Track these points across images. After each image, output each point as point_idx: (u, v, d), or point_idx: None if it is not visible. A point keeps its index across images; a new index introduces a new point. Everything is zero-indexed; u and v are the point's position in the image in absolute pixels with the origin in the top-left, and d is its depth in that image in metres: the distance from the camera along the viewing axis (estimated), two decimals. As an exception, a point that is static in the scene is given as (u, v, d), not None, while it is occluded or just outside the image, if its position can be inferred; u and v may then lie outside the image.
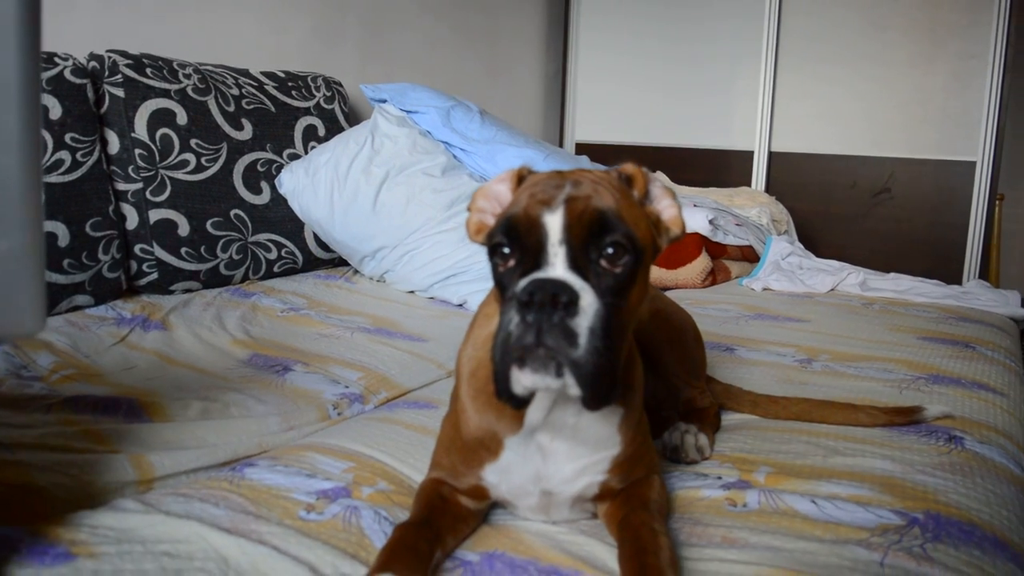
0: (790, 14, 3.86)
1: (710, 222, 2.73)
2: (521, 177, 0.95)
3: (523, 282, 0.78)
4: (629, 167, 0.94)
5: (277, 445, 1.32)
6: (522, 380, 0.79)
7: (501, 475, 0.98)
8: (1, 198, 0.71)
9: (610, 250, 0.82)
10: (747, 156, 4.00)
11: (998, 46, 3.37)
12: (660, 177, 3.07)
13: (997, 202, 3.55)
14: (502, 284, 0.85)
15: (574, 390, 0.78)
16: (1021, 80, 3.99)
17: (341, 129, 2.79)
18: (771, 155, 3.95)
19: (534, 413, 0.92)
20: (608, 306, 0.79)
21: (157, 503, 1.02)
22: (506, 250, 0.85)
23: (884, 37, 3.65)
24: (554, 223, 0.81)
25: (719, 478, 1.16)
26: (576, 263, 0.80)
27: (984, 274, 3.44)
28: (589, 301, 0.78)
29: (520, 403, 0.84)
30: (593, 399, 0.79)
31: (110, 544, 0.91)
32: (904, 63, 3.60)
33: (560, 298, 0.76)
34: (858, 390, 1.54)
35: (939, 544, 0.95)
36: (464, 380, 1.01)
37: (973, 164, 3.46)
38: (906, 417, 1.35)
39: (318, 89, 2.78)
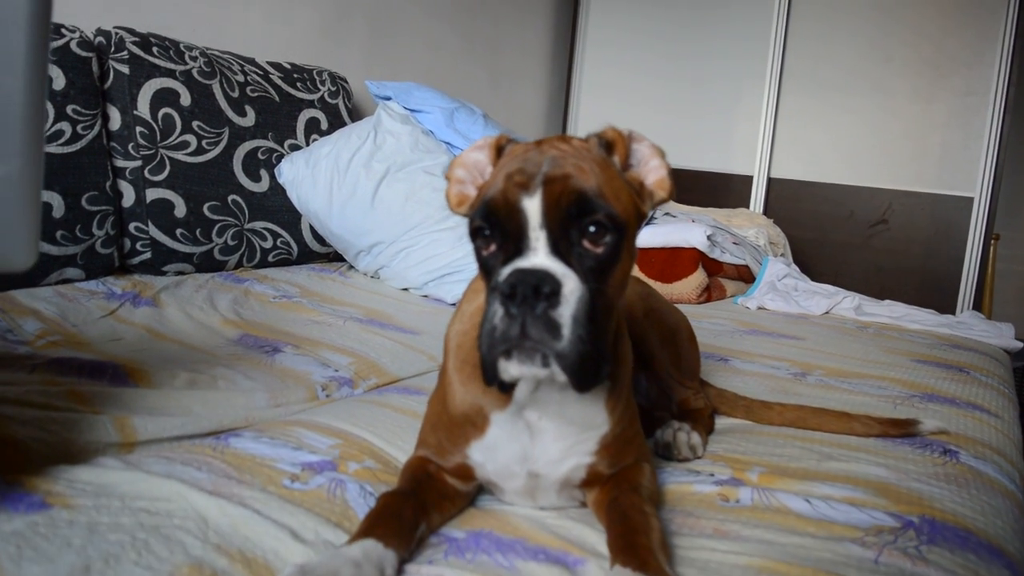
0: (796, 37, 3.89)
1: (708, 238, 2.72)
2: (500, 147, 0.93)
3: (505, 272, 0.78)
4: (609, 131, 0.91)
5: (263, 420, 1.29)
6: (510, 370, 0.79)
7: (487, 453, 0.95)
8: (1, 121, 0.69)
9: (592, 229, 0.81)
10: (746, 181, 4.01)
11: (1000, 84, 3.40)
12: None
13: (993, 242, 3.56)
14: (485, 268, 0.85)
15: (561, 377, 0.78)
16: (1022, 120, 4.01)
17: (344, 124, 2.79)
18: (770, 180, 3.96)
19: (522, 389, 0.91)
20: (592, 289, 0.79)
21: (138, 463, 1.00)
22: (487, 233, 0.84)
23: (888, 68, 3.68)
24: (533, 207, 0.80)
25: (711, 475, 1.14)
26: (557, 247, 0.79)
27: (977, 309, 3.44)
28: (572, 288, 0.77)
29: (507, 387, 0.85)
30: (580, 384, 0.79)
31: (87, 497, 0.89)
32: (906, 95, 3.62)
33: (542, 289, 0.76)
34: (852, 404, 1.53)
35: (934, 547, 0.93)
36: (452, 353, 0.99)
37: (971, 200, 3.48)
38: (901, 429, 1.33)
39: (323, 83, 2.77)
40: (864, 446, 1.27)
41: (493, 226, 0.83)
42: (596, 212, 0.80)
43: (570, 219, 0.80)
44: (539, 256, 0.79)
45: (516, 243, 0.80)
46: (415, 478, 0.96)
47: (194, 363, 1.46)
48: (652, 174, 0.92)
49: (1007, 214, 4.06)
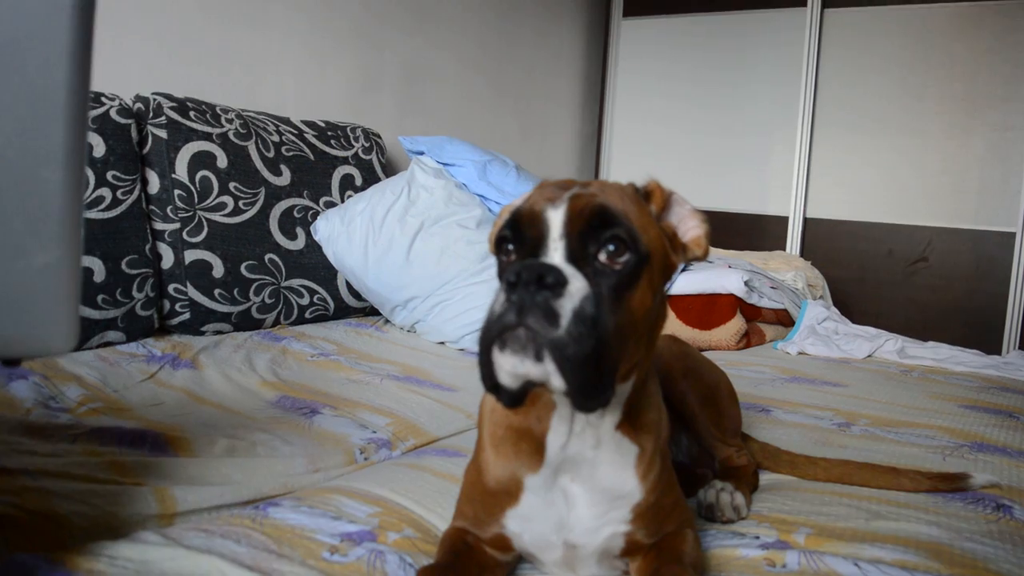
0: (827, 82, 3.88)
1: (745, 283, 2.70)
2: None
3: (515, 266, 0.76)
4: (651, 183, 0.92)
5: (302, 486, 1.29)
6: (501, 362, 0.75)
7: (523, 523, 0.94)
8: (42, 212, 0.70)
9: (610, 246, 0.79)
10: (782, 221, 3.99)
11: (1036, 118, 3.36)
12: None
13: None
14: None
15: (556, 379, 0.73)
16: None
17: (378, 179, 2.82)
18: (806, 221, 3.93)
19: (553, 442, 0.89)
20: (601, 297, 0.76)
21: (178, 537, 0.99)
22: (510, 246, 0.84)
23: (920, 107, 3.66)
24: (555, 217, 0.80)
25: (756, 538, 1.11)
26: (574, 256, 0.78)
27: (1024, 346, 3.37)
28: (579, 286, 0.75)
29: (512, 400, 0.79)
30: (578, 392, 0.74)
31: (128, 575, 0.89)
32: (941, 133, 3.59)
33: (546, 278, 0.74)
34: (900, 455, 1.49)
35: (992, 614, 0.89)
36: (486, 419, 0.98)
37: (1013, 235, 3.42)
38: (951, 483, 1.29)
39: (356, 139, 2.81)
40: (913, 502, 1.24)
41: (516, 234, 0.82)
42: (616, 227, 0.80)
43: (589, 230, 0.79)
44: (553, 259, 0.78)
45: (534, 251, 0.80)
46: (454, 550, 0.95)
47: (233, 428, 1.47)
48: (690, 232, 0.91)
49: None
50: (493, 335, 0.75)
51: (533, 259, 0.78)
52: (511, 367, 0.74)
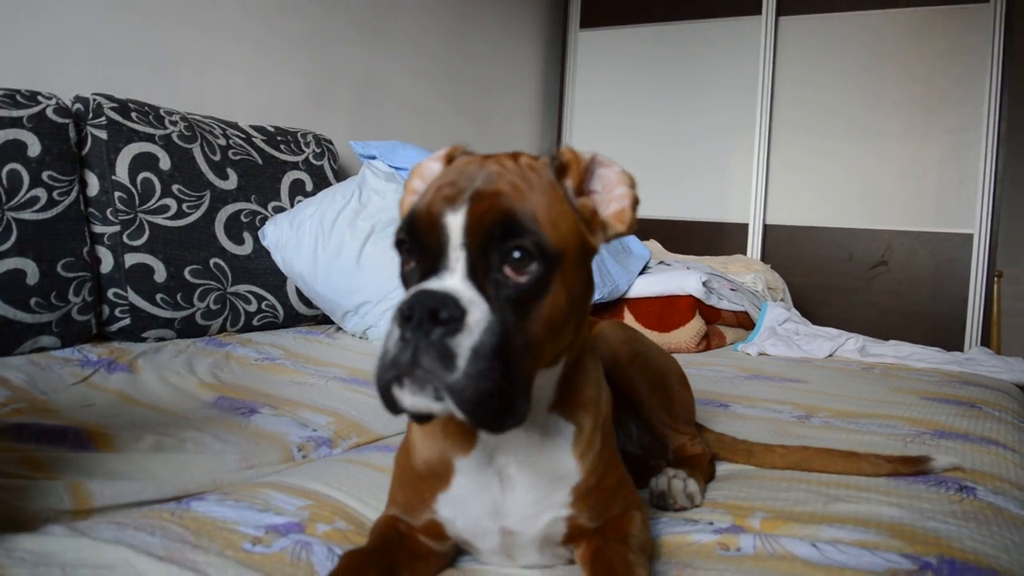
0: (783, 89, 3.88)
1: (704, 284, 2.66)
2: (451, 158, 0.88)
3: (410, 291, 0.71)
4: (566, 152, 0.83)
5: (232, 483, 1.21)
6: (403, 400, 0.70)
7: (455, 508, 0.87)
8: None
9: (516, 254, 0.72)
10: (742, 229, 3.97)
11: (991, 119, 3.38)
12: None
13: (996, 279, 3.50)
14: (405, 285, 0.78)
15: (459, 415, 0.68)
16: (1015, 153, 3.99)
17: (329, 185, 2.75)
18: (766, 227, 3.92)
19: None
20: (505, 322, 0.70)
21: (87, 529, 0.92)
22: (409, 248, 0.77)
23: (877, 111, 3.67)
24: (455, 224, 0.73)
25: (710, 523, 1.06)
26: (475, 270, 0.72)
27: (985, 346, 3.36)
28: (478, 318, 0.68)
29: (419, 419, 0.76)
30: (482, 424, 0.70)
31: (25, 567, 0.82)
32: (899, 135, 3.60)
33: (440, 314, 0.67)
34: (860, 443, 1.45)
35: (955, 589, 0.84)
36: None
37: (971, 236, 3.43)
38: (912, 467, 1.25)
39: (307, 145, 2.75)
40: (874, 486, 1.19)
41: (414, 239, 0.76)
42: (521, 237, 0.72)
43: (492, 241, 0.72)
44: (453, 278, 0.71)
45: (434, 261, 0.73)
46: (383, 536, 0.88)
47: (163, 427, 1.39)
48: (613, 203, 0.83)
49: (1008, 251, 4.01)
50: (388, 377, 0.69)
51: (430, 281, 0.71)
52: (411, 405, 0.70)
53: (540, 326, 0.74)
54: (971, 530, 1.02)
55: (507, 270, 0.72)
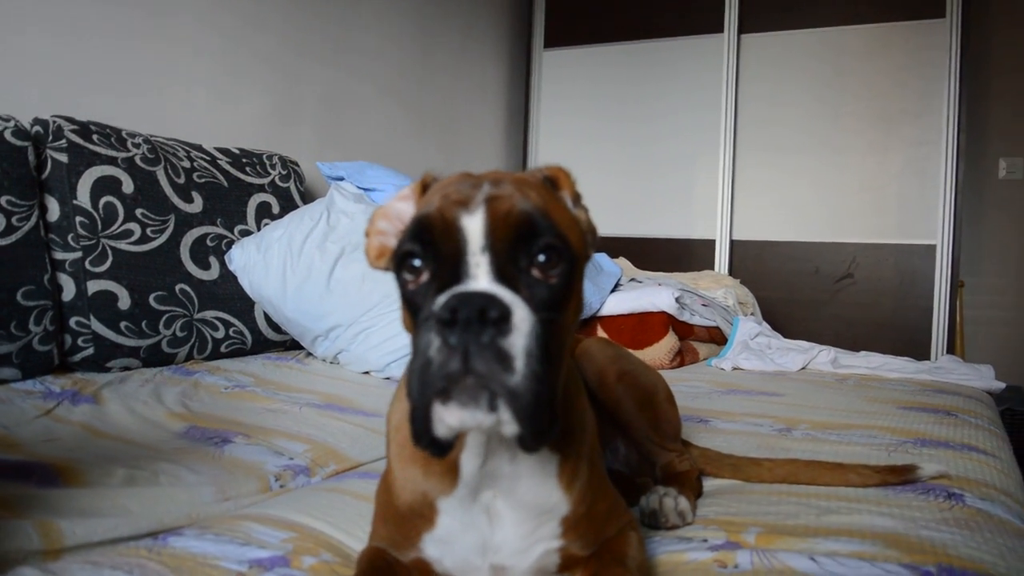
0: (746, 105, 3.92)
1: (676, 300, 2.66)
2: (425, 186, 0.82)
3: (442, 298, 0.64)
4: (553, 168, 0.82)
5: (210, 516, 1.17)
6: (447, 419, 0.63)
7: (442, 547, 0.83)
8: None
9: (542, 257, 0.69)
10: (708, 245, 3.99)
11: (950, 131, 3.44)
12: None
13: (959, 288, 3.55)
14: (413, 305, 0.71)
15: (510, 427, 0.63)
16: (974, 164, 4.06)
17: (296, 207, 2.71)
18: (732, 243, 3.94)
19: (468, 462, 0.79)
20: (544, 323, 0.65)
21: (59, 571, 0.88)
22: (417, 262, 0.71)
23: (838, 126, 3.72)
24: (474, 227, 0.68)
25: (704, 540, 1.04)
26: (503, 274, 0.67)
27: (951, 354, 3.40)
28: (523, 316, 0.63)
29: (441, 449, 0.67)
30: (533, 436, 0.64)
31: (-5, 613, 0.77)
32: (860, 149, 3.65)
33: (490, 313, 0.62)
34: (844, 455, 1.44)
35: (959, 600, 0.83)
36: (392, 436, 0.88)
37: (933, 247, 3.48)
38: (900, 476, 1.25)
39: (273, 167, 2.71)
40: (864, 497, 1.19)
41: (426, 247, 0.70)
42: (548, 235, 0.69)
43: (518, 241, 0.68)
44: (481, 282, 0.66)
45: (452, 269, 0.67)
46: (373, 566, 0.84)
47: (134, 459, 1.33)
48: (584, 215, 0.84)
49: (969, 262, 4.07)
50: (435, 390, 0.63)
51: (460, 286, 0.66)
52: (459, 422, 0.63)
53: (566, 332, 0.71)
54: (965, 537, 1.01)
55: (535, 272, 0.69)
